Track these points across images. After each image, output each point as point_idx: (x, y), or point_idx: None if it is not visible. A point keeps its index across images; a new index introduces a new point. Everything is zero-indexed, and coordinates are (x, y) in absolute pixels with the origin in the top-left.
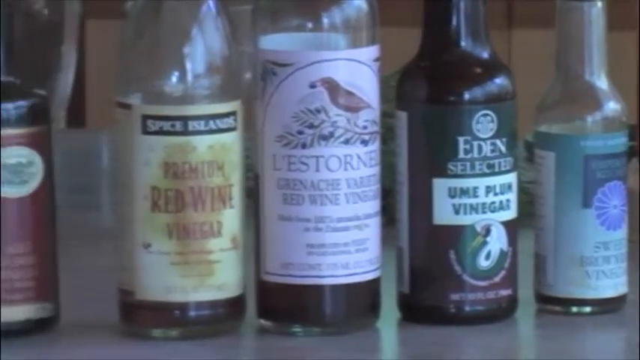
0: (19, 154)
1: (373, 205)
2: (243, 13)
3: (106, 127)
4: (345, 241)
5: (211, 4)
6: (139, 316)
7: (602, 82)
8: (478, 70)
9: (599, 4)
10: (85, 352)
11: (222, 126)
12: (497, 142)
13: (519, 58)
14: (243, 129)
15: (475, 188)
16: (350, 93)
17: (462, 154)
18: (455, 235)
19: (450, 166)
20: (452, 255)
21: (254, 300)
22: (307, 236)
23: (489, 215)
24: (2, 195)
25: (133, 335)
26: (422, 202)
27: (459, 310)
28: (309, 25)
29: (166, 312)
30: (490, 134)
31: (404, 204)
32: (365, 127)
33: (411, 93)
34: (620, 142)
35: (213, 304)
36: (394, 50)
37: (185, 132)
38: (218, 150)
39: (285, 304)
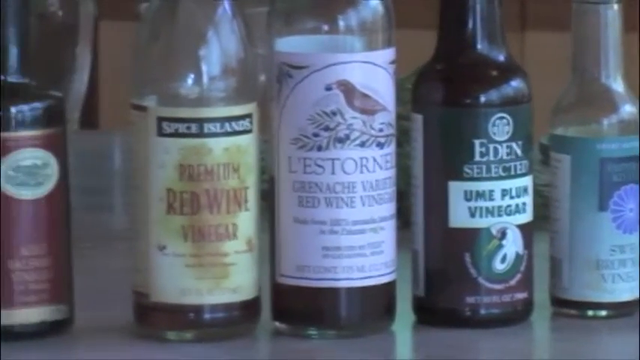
0: (34, 156)
1: (389, 208)
2: (258, 16)
3: (119, 128)
4: (361, 244)
5: (227, 6)
6: (154, 318)
7: (618, 85)
8: (494, 72)
9: (616, 6)
10: (99, 354)
11: (237, 128)
12: (513, 144)
13: (532, 60)
14: (258, 131)
15: (491, 191)
16: (366, 95)
17: (477, 157)
18: (470, 238)
19: (466, 168)
20: (467, 258)
21: (269, 302)
22: (323, 239)
23: (505, 218)
24: (17, 197)
25: (148, 337)
26: (437, 204)
27: (474, 313)
28: (325, 27)
29: (181, 314)
30: (506, 137)
31: (419, 207)
32: (381, 130)
33: (426, 95)
34: (636, 144)
35: (228, 307)
36: (410, 53)
37: (200, 134)
38: (233, 152)
39: (300, 306)
